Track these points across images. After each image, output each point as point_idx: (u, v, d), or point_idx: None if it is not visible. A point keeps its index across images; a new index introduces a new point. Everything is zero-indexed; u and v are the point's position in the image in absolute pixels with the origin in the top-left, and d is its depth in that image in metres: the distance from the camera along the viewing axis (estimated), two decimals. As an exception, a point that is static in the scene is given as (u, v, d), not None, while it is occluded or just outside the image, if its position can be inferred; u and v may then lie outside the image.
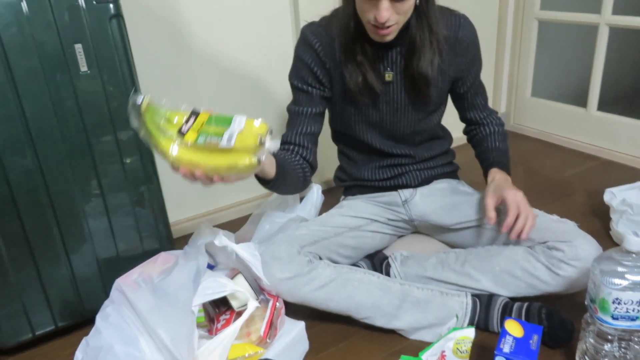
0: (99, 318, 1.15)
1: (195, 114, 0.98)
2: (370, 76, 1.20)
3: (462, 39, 1.24)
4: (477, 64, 1.31)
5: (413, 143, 1.36)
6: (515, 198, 1.16)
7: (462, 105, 1.38)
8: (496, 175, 1.27)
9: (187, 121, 0.97)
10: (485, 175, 1.34)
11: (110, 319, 1.11)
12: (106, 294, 1.21)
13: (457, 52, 1.25)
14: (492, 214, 1.18)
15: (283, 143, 1.27)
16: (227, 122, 0.97)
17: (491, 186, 1.24)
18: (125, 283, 1.16)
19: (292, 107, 1.29)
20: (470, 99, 1.36)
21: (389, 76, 1.23)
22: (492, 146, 1.37)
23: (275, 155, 1.15)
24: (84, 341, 1.16)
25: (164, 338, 1.04)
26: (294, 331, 1.09)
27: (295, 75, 1.27)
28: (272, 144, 0.99)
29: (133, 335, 1.08)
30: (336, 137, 1.44)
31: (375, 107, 1.28)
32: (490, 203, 1.19)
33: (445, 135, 1.44)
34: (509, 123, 2.49)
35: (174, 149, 0.96)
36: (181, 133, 0.96)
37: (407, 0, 1.05)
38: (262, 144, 0.96)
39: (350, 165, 1.42)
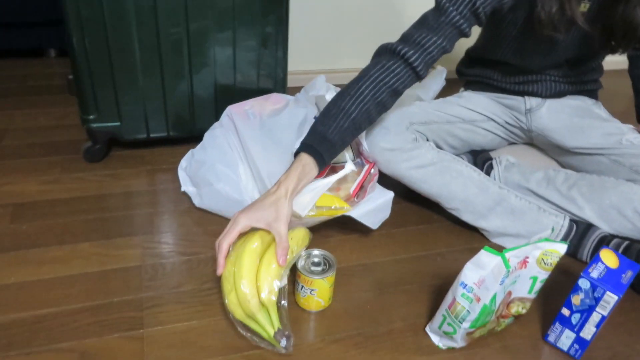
0: (207, 136, 1.22)
1: None
2: (572, 5, 1.01)
3: None
4: None
5: (569, 57, 1.22)
6: None
7: None
8: None
9: None
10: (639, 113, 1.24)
11: (217, 140, 1.18)
12: (216, 118, 1.28)
13: None
14: None
15: (405, 39, 1.01)
16: None
17: None
18: (237, 111, 1.21)
19: (445, 3, 0.99)
20: None
21: (584, 6, 1.06)
22: None
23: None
24: (189, 153, 1.25)
25: (261, 170, 1.10)
26: (382, 199, 1.10)
27: None
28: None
29: (234, 159, 1.14)
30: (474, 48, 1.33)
31: (555, 39, 1.10)
32: None
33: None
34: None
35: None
36: None
37: None
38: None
39: (479, 64, 1.33)
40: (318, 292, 0.93)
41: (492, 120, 1.30)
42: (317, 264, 0.95)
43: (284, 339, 0.86)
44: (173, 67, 1.25)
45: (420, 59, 0.99)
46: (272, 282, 0.87)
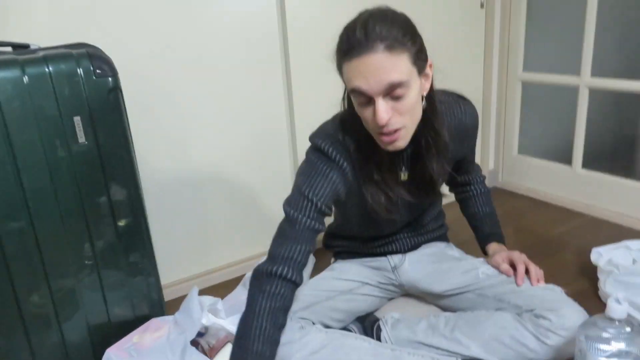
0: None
1: None
2: (393, 192, 1.18)
3: (466, 126, 1.24)
4: (475, 139, 1.33)
5: (409, 219, 1.38)
6: (521, 256, 1.29)
7: (456, 172, 1.38)
8: (497, 250, 1.36)
9: None
10: (482, 245, 1.42)
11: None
12: (96, 362, 1.21)
13: (462, 138, 1.25)
14: (505, 266, 1.27)
15: (275, 257, 1.09)
16: None
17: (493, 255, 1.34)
18: (117, 353, 1.16)
19: (294, 213, 1.11)
20: (465, 166, 1.39)
21: (404, 176, 1.22)
22: (482, 212, 1.42)
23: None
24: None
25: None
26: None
27: (312, 189, 1.12)
28: None
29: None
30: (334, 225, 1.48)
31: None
32: (499, 259, 1.30)
33: (439, 200, 1.45)
34: (497, 180, 2.54)
35: None
36: None
37: (406, 98, 0.99)
38: None
39: (339, 237, 1.46)
40: None
41: (367, 284, 1.38)
42: None
43: None
44: (37, 318, 1.18)
45: (293, 271, 1.08)
46: None
